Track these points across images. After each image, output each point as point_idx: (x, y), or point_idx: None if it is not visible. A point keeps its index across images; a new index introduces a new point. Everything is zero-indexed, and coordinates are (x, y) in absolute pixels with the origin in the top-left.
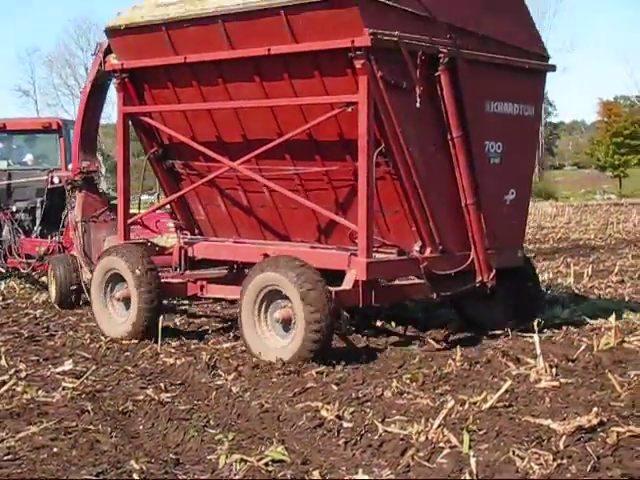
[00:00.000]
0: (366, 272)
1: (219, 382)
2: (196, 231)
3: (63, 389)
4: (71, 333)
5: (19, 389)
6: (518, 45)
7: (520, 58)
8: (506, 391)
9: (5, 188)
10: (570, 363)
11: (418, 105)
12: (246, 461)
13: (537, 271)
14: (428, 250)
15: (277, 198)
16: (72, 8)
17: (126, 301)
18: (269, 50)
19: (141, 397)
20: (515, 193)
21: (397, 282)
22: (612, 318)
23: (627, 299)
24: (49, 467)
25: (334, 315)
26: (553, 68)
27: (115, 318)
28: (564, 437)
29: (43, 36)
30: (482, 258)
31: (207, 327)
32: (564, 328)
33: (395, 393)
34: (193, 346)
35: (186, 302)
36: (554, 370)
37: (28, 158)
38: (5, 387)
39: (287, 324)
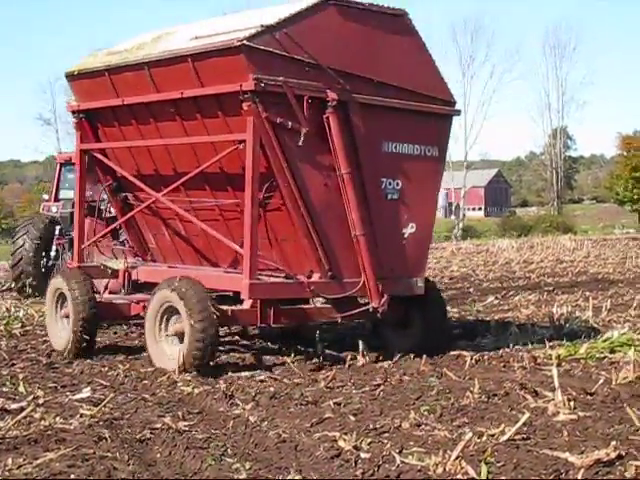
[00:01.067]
0: (248, 292)
1: (237, 411)
2: (148, 257)
3: (81, 416)
4: (89, 360)
5: (37, 415)
6: (419, 91)
7: (422, 103)
8: (524, 424)
9: (68, 216)
10: (588, 396)
11: (301, 144)
12: None
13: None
14: (317, 275)
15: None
16: (94, 37)
17: (68, 318)
18: (182, 93)
19: (159, 425)
20: (415, 227)
21: (302, 305)
22: (631, 352)
23: None
24: None
25: (216, 329)
26: (457, 112)
27: (61, 333)
28: (582, 470)
29: (65, 65)
30: (372, 285)
31: (225, 356)
32: (582, 361)
33: (413, 424)
34: (210, 375)
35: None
36: (572, 403)
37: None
38: (23, 414)
39: (181, 337)
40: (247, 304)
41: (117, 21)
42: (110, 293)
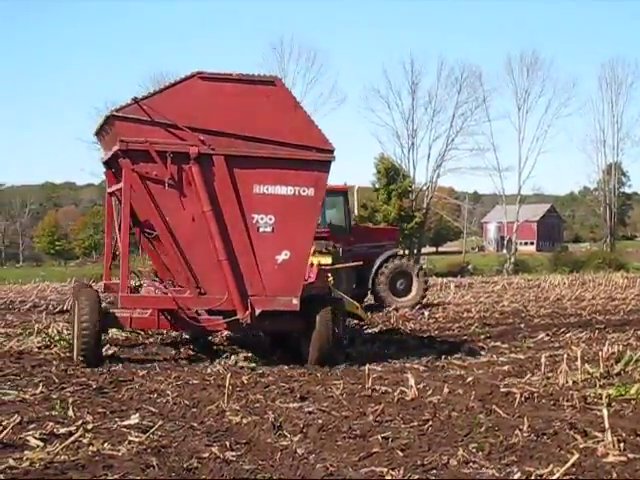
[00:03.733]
0: (120, 303)
1: (284, 442)
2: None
3: (129, 443)
4: (138, 386)
5: (85, 441)
6: (291, 142)
7: (295, 152)
8: (573, 464)
9: None
10: (639, 438)
11: (166, 188)
12: None
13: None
14: (187, 292)
15: None
16: (149, 62)
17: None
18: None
19: (206, 455)
20: (289, 254)
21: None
22: None
23: None
24: None
25: (97, 329)
26: (331, 158)
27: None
28: None
29: (121, 90)
30: (236, 301)
31: (274, 386)
32: (633, 402)
33: (461, 462)
34: (259, 405)
35: (256, 361)
36: (622, 445)
37: None
38: (71, 438)
39: None
40: (147, 312)
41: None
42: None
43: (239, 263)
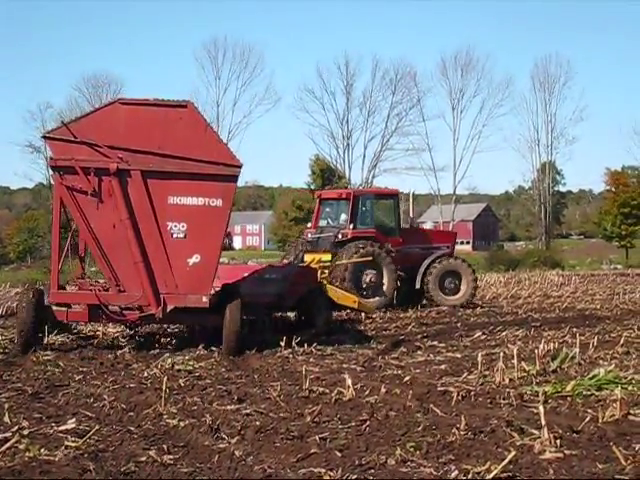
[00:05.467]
0: (49, 298)
1: (222, 445)
2: None
3: (66, 448)
4: (74, 391)
5: (21, 447)
6: (201, 158)
7: (204, 167)
8: (510, 462)
9: (316, 239)
10: (575, 434)
11: (90, 199)
12: None
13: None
14: (112, 290)
15: None
16: (85, 65)
17: None
18: None
19: (143, 458)
20: (200, 257)
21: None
22: (617, 390)
23: (632, 371)
24: None
25: (30, 323)
26: (238, 172)
27: None
28: None
29: (55, 92)
30: (150, 298)
31: (211, 389)
32: (569, 399)
33: (399, 461)
34: (196, 407)
35: (193, 364)
36: (559, 441)
37: (342, 219)
38: (7, 444)
39: None
40: (79, 307)
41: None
42: None
43: (154, 265)
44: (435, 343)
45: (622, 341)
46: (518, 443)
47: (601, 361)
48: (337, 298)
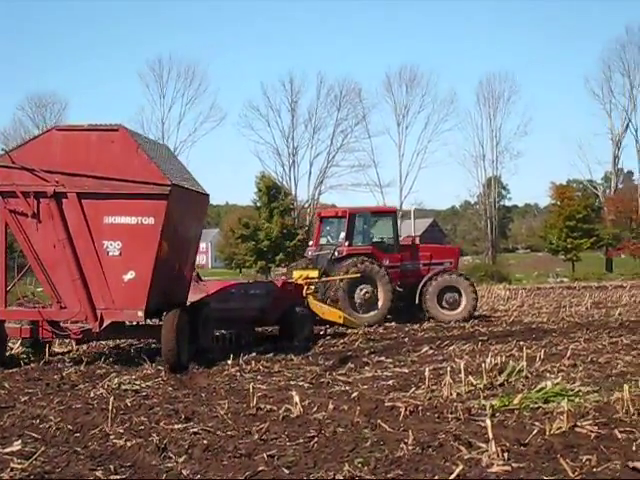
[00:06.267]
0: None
1: (169, 464)
2: None
3: (11, 470)
4: (19, 412)
5: None
6: (134, 179)
7: (137, 187)
8: (458, 475)
9: (316, 257)
10: (522, 447)
11: (31, 221)
12: None
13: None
14: (54, 306)
15: None
16: (29, 85)
17: None
18: None
19: (91, 479)
20: (135, 274)
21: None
22: (564, 402)
23: (579, 383)
24: None
25: None
26: (168, 191)
27: None
28: None
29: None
30: (88, 313)
31: (158, 408)
32: (516, 412)
33: (347, 477)
34: (143, 427)
35: (140, 384)
36: (506, 454)
37: (341, 237)
38: None
39: None
40: (30, 325)
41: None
42: None
43: (91, 282)
44: (383, 359)
45: (569, 354)
46: (466, 457)
47: (548, 374)
48: (322, 313)
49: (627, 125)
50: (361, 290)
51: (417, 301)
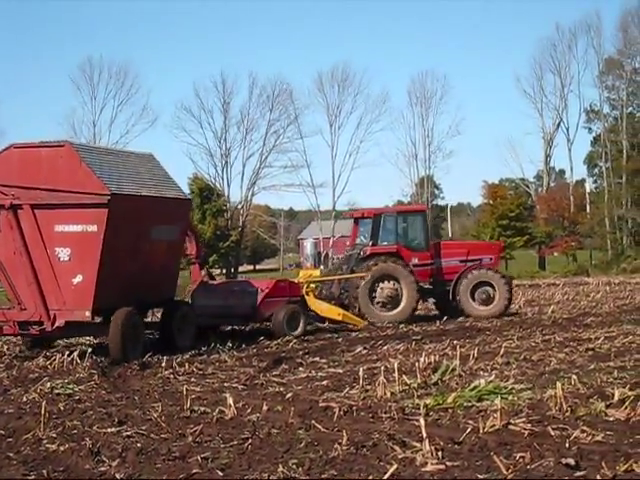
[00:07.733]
0: None
1: (103, 468)
2: None
3: None
4: None
5: None
6: (77, 190)
7: (83, 196)
8: (392, 475)
9: (348, 256)
10: (456, 446)
11: None
12: None
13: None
14: (16, 308)
15: None
16: None
17: None
18: None
19: None
20: (82, 277)
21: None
22: (497, 400)
23: (512, 381)
24: None
25: None
26: (108, 200)
27: None
28: None
29: None
30: (43, 314)
31: (91, 412)
32: (450, 411)
33: (281, 478)
34: (76, 431)
35: (73, 387)
36: (440, 453)
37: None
38: None
39: None
40: None
41: None
42: None
43: (44, 285)
44: (317, 359)
45: (502, 352)
46: (400, 456)
47: (481, 372)
48: (320, 311)
49: (559, 124)
50: (382, 289)
51: (451, 297)
